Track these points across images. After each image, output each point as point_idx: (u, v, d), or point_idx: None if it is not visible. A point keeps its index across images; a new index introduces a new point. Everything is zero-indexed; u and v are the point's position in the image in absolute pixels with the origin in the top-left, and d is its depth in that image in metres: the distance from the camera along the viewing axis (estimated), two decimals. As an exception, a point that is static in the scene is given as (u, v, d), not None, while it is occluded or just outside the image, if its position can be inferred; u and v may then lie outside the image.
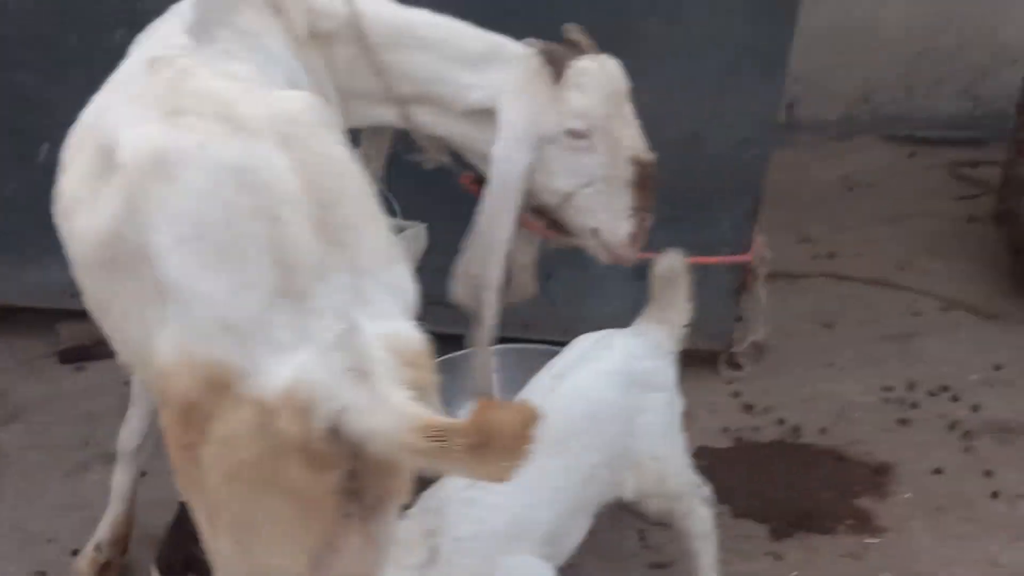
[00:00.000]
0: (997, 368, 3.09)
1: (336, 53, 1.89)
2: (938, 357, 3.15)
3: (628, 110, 2.00)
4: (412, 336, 1.38)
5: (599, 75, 1.94)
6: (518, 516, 1.86)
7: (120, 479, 2.24)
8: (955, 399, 2.97)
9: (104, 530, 2.26)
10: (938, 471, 2.70)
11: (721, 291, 2.87)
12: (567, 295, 2.91)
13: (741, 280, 2.87)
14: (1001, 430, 2.86)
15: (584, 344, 2.11)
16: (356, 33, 1.87)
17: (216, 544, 1.40)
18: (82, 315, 1.68)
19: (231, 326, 1.31)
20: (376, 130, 2.13)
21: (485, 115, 1.96)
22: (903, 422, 2.88)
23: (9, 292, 3.02)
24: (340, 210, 1.39)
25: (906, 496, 2.63)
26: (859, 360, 3.14)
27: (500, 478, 1.22)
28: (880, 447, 2.79)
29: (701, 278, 2.83)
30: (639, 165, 1.98)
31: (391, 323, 1.36)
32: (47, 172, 1.67)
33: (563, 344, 2.21)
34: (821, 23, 4.27)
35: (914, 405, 2.95)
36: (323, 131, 1.46)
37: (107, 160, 1.46)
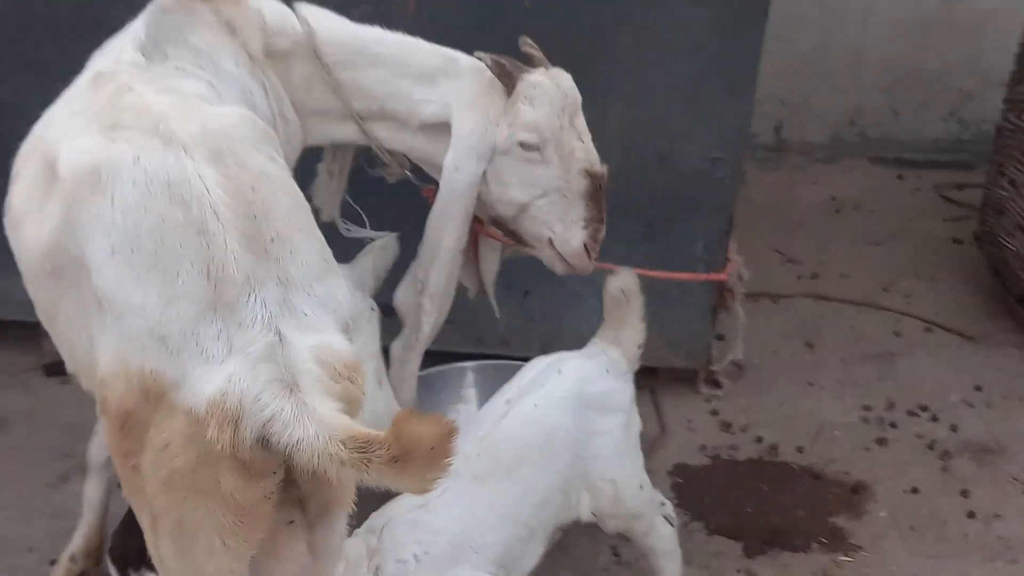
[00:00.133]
0: (977, 389, 3.11)
1: (293, 71, 1.91)
2: (918, 377, 3.17)
3: (580, 123, 2.02)
4: (342, 349, 1.40)
5: (550, 89, 1.96)
6: (462, 540, 1.86)
7: (91, 491, 2.26)
8: (934, 419, 2.99)
9: (77, 541, 2.28)
10: (915, 490, 2.72)
11: (698, 309, 2.89)
12: (545, 311, 2.93)
13: (718, 298, 2.89)
14: (979, 450, 2.87)
15: (536, 368, 2.11)
16: (311, 52, 1.90)
17: (158, 550, 1.42)
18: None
19: (163, 337, 1.33)
20: (338, 145, 2.16)
21: (440, 128, 1.99)
22: (881, 441, 2.90)
23: (-2, 305, 3.04)
24: (270, 224, 1.42)
25: (882, 515, 2.64)
26: (839, 380, 3.16)
27: (420, 489, 1.26)
28: (857, 466, 2.81)
29: (678, 297, 2.89)
30: (591, 177, 2.00)
31: (321, 335, 1.39)
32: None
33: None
34: (806, 46, 4.33)
35: (893, 425, 2.97)
36: (255, 146, 1.49)
37: (51, 172, 1.49)
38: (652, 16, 2.50)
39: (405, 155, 2.07)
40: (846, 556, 2.51)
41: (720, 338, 3.15)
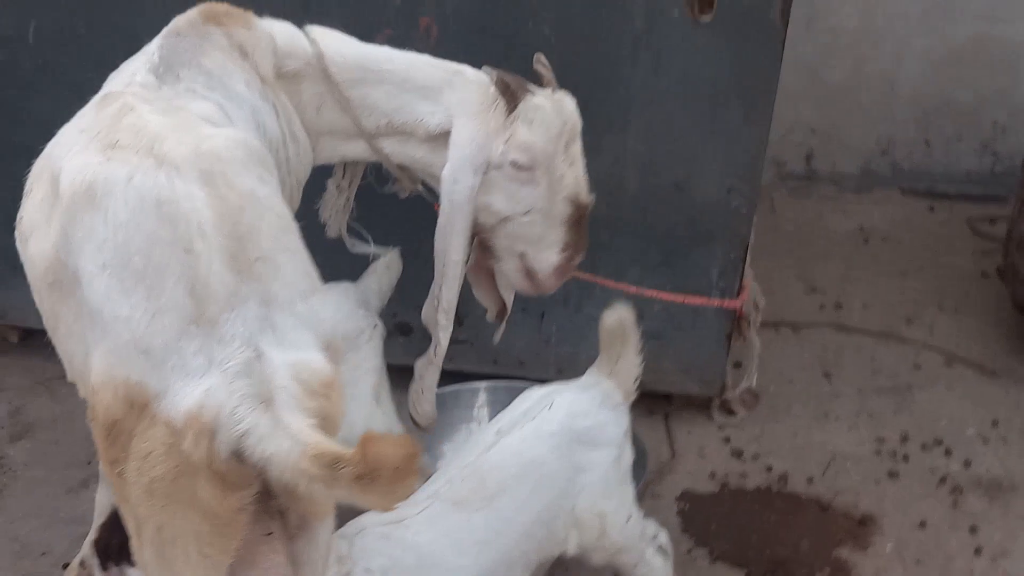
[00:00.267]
0: (994, 424, 3.08)
1: (303, 91, 1.96)
2: (935, 411, 3.15)
3: (576, 150, 2.05)
4: (319, 366, 1.44)
5: (550, 113, 1.99)
6: (431, 559, 1.88)
7: (102, 498, 2.32)
8: (948, 453, 2.97)
9: (88, 547, 2.34)
10: (922, 525, 2.70)
11: (713, 337, 2.90)
12: (561, 334, 2.96)
13: (733, 326, 2.90)
14: (991, 486, 2.85)
15: (529, 400, 2.12)
16: (321, 72, 1.94)
17: (142, 555, 1.48)
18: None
19: (147, 349, 1.39)
20: (349, 162, 2.20)
21: (443, 138, 2.01)
22: (892, 474, 2.89)
23: (28, 316, 3.12)
24: (255, 244, 1.47)
25: (887, 548, 2.63)
26: (855, 411, 3.15)
27: (385, 507, 1.30)
28: (867, 498, 2.80)
29: (692, 323, 2.91)
30: (576, 206, 2.03)
31: (300, 353, 1.43)
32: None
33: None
34: (839, 77, 4.34)
35: (905, 458, 2.95)
36: (246, 168, 1.54)
37: (56, 188, 1.56)
38: (668, 46, 2.52)
39: (413, 169, 2.09)
40: (848, 588, 2.51)
41: (737, 366, 3.16)
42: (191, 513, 1.39)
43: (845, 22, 4.22)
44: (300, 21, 2.03)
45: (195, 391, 1.36)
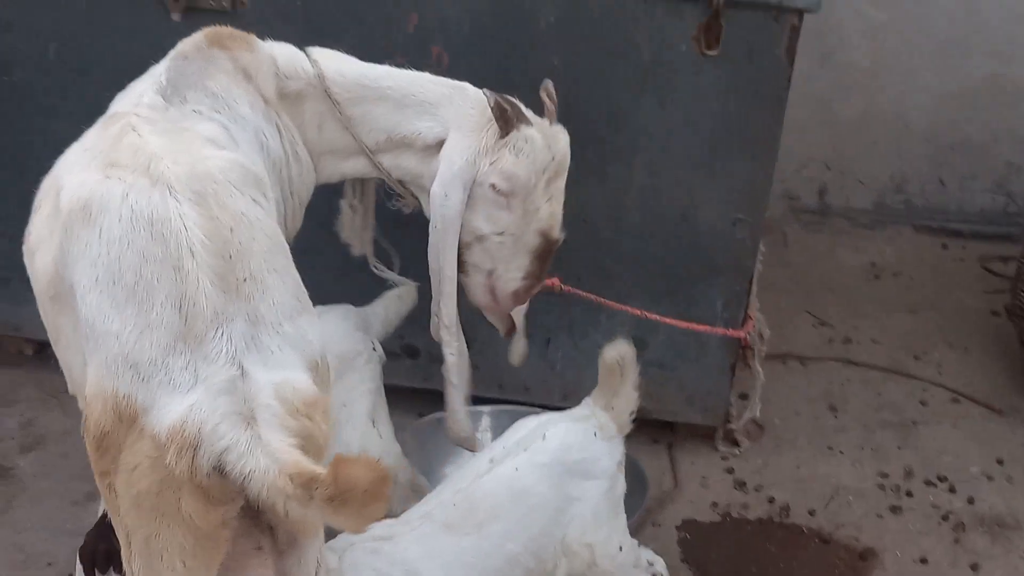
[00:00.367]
0: (999, 462, 3.08)
1: (305, 112, 2.00)
2: (940, 447, 3.15)
3: (557, 186, 2.10)
4: (303, 386, 1.48)
5: (539, 148, 2.03)
6: None
7: (102, 510, 2.36)
8: (951, 490, 2.96)
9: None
10: (923, 560, 2.70)
11: (717, 367, 2.92)
12: (567, 360, 2.98)
13: (738, 356, 2.92)
14: (994, 524, 2.84)
15: (524, 430, 2.13)
16: (322, 91, 1.98)
17: (131, 566, 1.51)
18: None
19: (136, 364, 1.43)
20: (358, 180, 2.24)
21: (435, 149, 2.05)
22: (895, 509, 2.89)
23: (43, 330, 3.17)
24: (244, 264, 1.51)
25: (887, 583, 2.64)
26: (859, 445, 3.15)
27: (356, 529, 1.33)
28: (868, 532, 2.80)
29: (696, 354, 2.92)
30: (546, 239, 2.09)
31: (285, 372, 1.47)
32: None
33: (562, 408, 2.25)
34: (852, 113, 4.36)
35: (909, 493, 2.95)
36: (239, 190, 1.58)
37: (58, 204, 1.60)
38: (675, 79, 2.56)
39: (412, 184, 2.13)
40: (846, 622, 2.51)
41: (743, 397, 3.17)
42: (176, 526, 1.42)
43: (859, 58, 4.25)
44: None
45: (179, 406, 1.40)
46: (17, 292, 3.04)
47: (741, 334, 2.81)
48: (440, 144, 2.03)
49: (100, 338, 1.45)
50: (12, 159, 2.83)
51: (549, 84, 2.17)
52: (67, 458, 2.94)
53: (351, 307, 2.35)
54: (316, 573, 1.60)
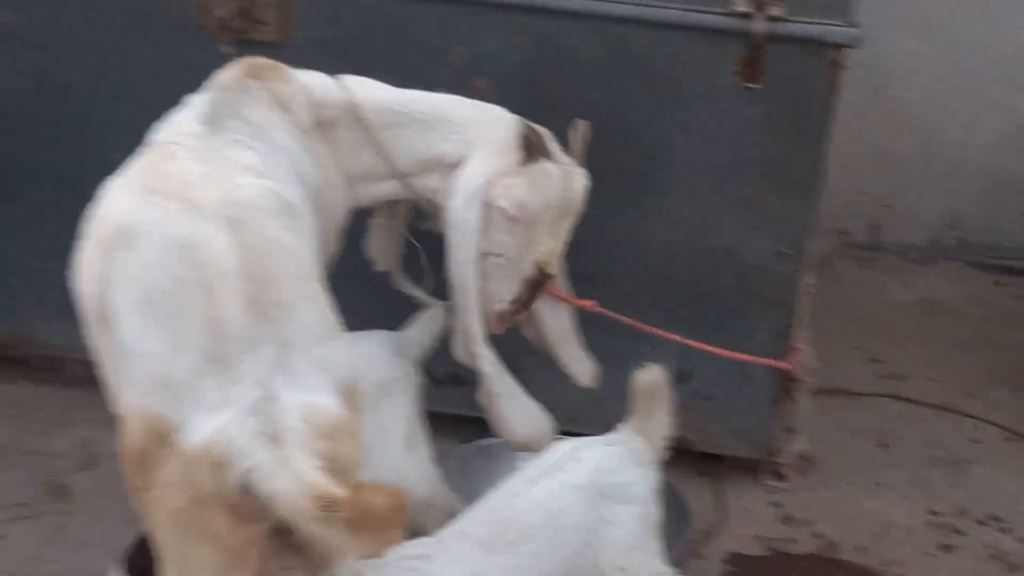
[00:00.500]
0: (1052, 503, 3.03)
1: (339, 138, 2.04)
2: (992, 486, 3.10)
3: (564, 226, 2.14)
4: (330, 410, 1.51)
5: (556, 185, 2.07)
6: None
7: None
8: (1004, 530, 2.92)
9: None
10: (974, 599, 2.66)
11: (762, 400, 2.91)
12: (610, 390, 2.97)
13: (783, 390, 2.90)
14: (1047, 565, 2.79)
15: (559, 452, 2.14)
16: (355, 118, 2.03)
17: None
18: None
19: (168, 383, 1.48)
20: (388, 203, 2.27)
21: (455, 165, 2.08)
22: (946, 548, 2.84)
23: (99, 352, 3.27)
24: (275, 288, 1.55)
25: (936, 621, 2.60)
26: (910, 482, 3.12)
27: (372, 554, 1.37)
28: (917, 570, 2.76)
29: (741, 386, 2.92)
30: (540, 272, 2.12)
31: (312, 396, 1.51)
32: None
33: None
34: (908, 150, 4.34)
35: (959, 532, 2.91)
36: (272, 217, 1.63)
37: (102, 229, 1.66)
38: (717, 112, 2.58)
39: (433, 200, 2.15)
40: (892, 660, 2.47)
41: (790, 431, 3.14)
42: (207, 543, 1.46)
43: (911, 94, 4.23)
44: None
45: (209, 425, 1.44)
46: (76, 316, 3.14)
47: (785, 364, 2.80)
48: (463, 162, 2.06)
49: (136, 358, 1.51)
50: (71, 187, 2.91)
51: (581, 124, 2.21)
52: (119, 477, 2.99)
53: (387, 332, 2.38)
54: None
